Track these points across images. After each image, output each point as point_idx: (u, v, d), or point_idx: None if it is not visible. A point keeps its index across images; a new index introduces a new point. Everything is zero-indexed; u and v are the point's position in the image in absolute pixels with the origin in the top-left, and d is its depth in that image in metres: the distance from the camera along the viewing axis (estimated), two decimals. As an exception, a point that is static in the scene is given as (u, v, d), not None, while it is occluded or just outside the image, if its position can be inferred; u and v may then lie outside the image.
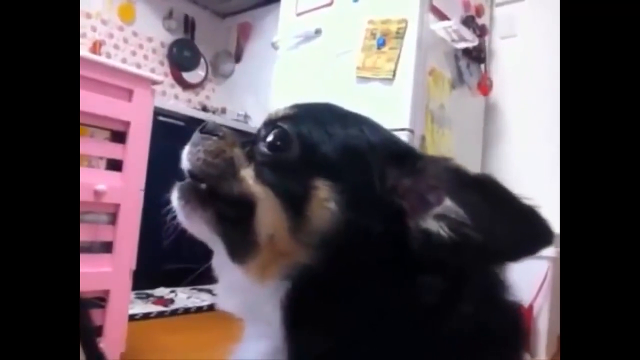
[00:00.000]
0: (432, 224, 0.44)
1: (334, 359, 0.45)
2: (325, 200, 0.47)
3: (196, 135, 0.57)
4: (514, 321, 0.49)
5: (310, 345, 0.45)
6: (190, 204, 0.54)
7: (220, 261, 0.54)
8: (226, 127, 0.59)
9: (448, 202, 0.44)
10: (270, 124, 0.54)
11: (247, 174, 0.52)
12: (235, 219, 0.51)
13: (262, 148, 0.52)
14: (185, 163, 0.55)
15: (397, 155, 0.50)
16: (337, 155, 0.49)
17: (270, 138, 0.52)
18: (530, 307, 1.90)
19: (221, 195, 0.52)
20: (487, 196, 0.43)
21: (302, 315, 0.46)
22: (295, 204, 0.48)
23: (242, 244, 0.50)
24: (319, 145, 0.50)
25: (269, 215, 0.49)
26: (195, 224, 0.54)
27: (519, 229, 0.42)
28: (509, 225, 0.42)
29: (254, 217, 0.49)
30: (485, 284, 0.47)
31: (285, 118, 0.54)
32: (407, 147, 0.54)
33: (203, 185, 0.54)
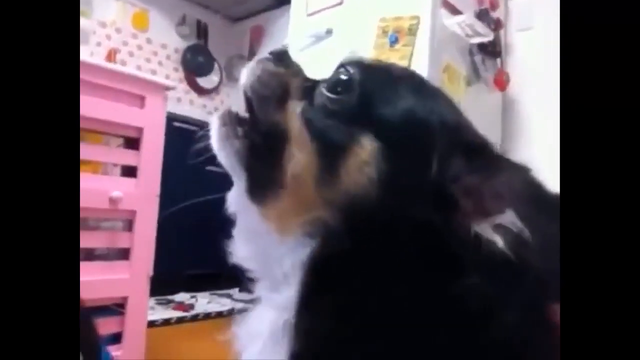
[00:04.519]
0: (488, 232, 0.38)
1: (344, 351, 0.40)
2: (365, 164, 0.42)
3: (264, 56, 0.55)
4: (554, 335, 0.43)
5: (323, 328, 0.40)
6: (226, 127, 0.53)
7: (240, 202, 0.52)
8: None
9: (514, 217, 0.38)
10: (341, 66, 0.51)
11: (294, 106, 0.50)
12: (265, 151, 0.49)
13: (322, 88, 0.49)
14: (243, 78, 0.54)
15: (471, 146, 0.44)
16: (398, 118, 0.44)
17: (333, 79, 0.49)
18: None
19: (260, 120, 0.50)
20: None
21: (323, 285, 0.41)
22: (330, 154, 0.44)
23: (265, 181, 0.47)
24: (381, 102, 0.45)
25: (299, 155, 0.46)
26: (226, 151, 0.52)
27: None
28: None
29: (284, 152, 0.47)
30: (535, 291, 0.39)
31: (357, 64, 0.50)
32: (484, 141, 0.46)
33: (243, 114, 0.53)
